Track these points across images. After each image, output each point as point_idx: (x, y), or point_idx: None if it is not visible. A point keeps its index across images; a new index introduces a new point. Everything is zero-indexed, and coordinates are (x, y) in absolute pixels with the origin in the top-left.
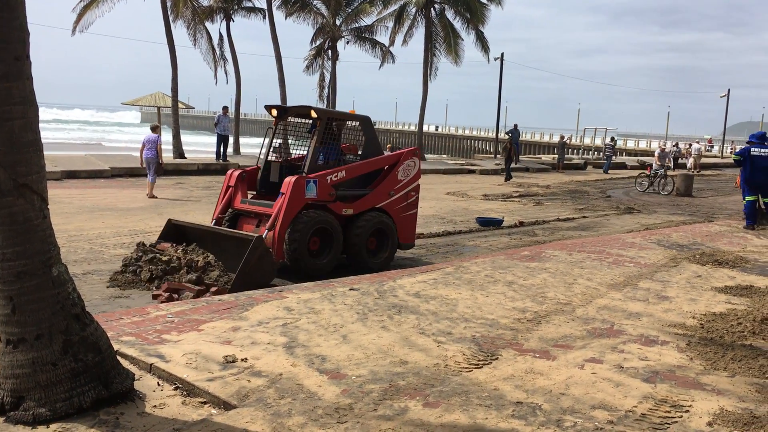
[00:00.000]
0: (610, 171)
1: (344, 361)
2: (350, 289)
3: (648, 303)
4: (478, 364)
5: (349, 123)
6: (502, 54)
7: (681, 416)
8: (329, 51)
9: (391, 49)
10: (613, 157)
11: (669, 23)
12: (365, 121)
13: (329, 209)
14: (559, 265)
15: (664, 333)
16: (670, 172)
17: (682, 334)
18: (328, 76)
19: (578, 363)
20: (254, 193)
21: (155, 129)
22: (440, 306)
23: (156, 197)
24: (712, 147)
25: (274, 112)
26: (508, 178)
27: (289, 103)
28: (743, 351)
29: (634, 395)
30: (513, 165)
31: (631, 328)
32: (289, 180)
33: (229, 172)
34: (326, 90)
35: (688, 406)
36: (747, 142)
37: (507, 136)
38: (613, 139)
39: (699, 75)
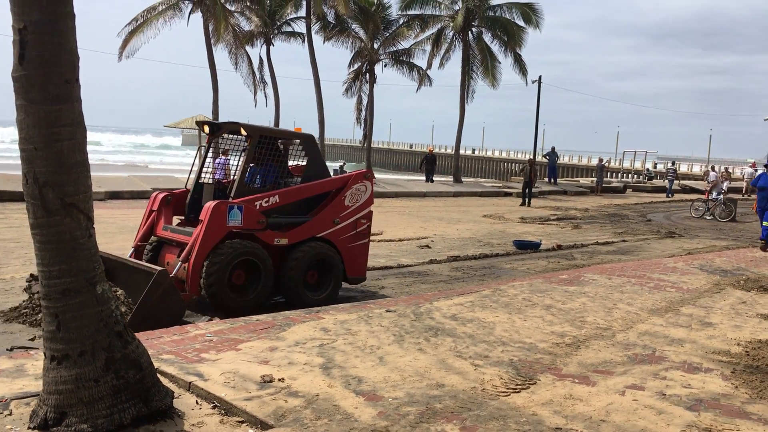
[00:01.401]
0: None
1: (381, 383)
2: (387, 311)
3: (691, 329)
4: (515, 389)
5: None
6: (540, 77)
7: None
8: (367, 74)
9: (428, 72)
10: (675, 181)
11: (711, 45)
12: (307, 140)
13: (258, 239)
14: (598, 289)
15: (708, 360)
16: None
17: (727, 361)
18: (365, 99)
19: (619, 389)
20: (182, 218)
21: (225, 152)
22: (477, 329)
23: None
24: (756, 170)
25: (206, 128)
26: (525, 203)
27: (328, 126)
28: None
29: (677, 423)
30: (534, 188)
31: (674, 354)
32: (209, 206)
33: (154, 194)
34: (363, 113)
35: None
36: (765, 166)
37: (545, 159)
38: (674, 162)
39: (741, 98)
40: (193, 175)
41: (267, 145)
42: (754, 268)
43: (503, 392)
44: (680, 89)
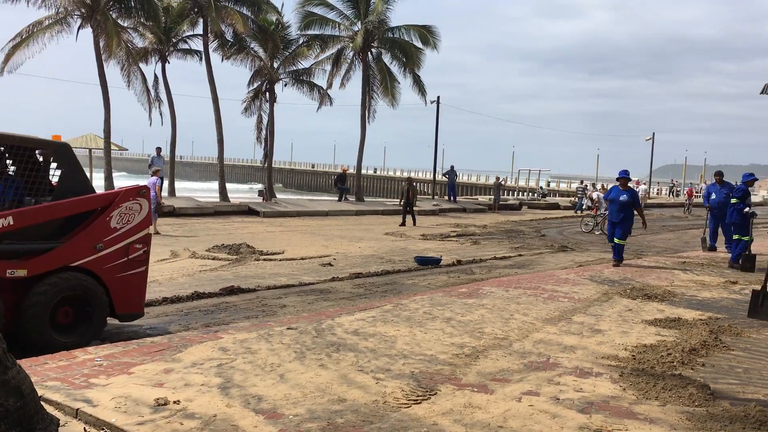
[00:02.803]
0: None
1: (281, 401)
2: (288, 329)
3: (582, 336)
4: (417, 400)
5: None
6: (438, 97)
7: None
8: (267, 93)
9: (328, 91)
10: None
11: (596, 70)
12: (60, 151)
13: None
14: (496, 301)
15: (598, 365)
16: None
17: (615, 365)
18: (266, 118)
19: (516, 396)
20: None
21: (156, 173)
22: (379, 343)
23: (159, 233)
24: (639, 188)
25: None
26: (404, 222)
27: (228, 146)
28: (673, 381)
29: (570, 426)
30: (415, 208)
31: (567, 360)
32: None
33: None
34: (264, 132)
35: None
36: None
37: (444, 177)
38: (582, 181)
39: (626, 120)
40: None
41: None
42: (639, 278)
43: (404, 404)
44: (570, 111)
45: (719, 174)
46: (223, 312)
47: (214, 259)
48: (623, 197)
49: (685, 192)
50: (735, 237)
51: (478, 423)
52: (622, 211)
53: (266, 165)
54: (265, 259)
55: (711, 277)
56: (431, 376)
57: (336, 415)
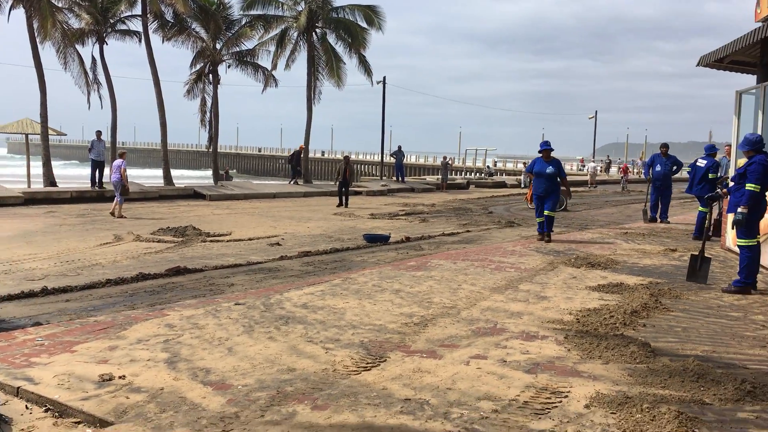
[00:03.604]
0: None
1: (230, 372)
2: (236, 304)
3: (528, 303)
4: (366, 367)
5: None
6: (384, 77)
7: (561, 401)
8: (210, 75)
9: (273, 73)
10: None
11: (541, 51)
12: None
13: None
14: (444, 273)
15: (544, 329)
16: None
17: (560, 328)
18: (210, 101)
19: (464, 360)
20: None
21: (122, 155)
22: (328, 315)
23: (124, 216)
24: (584, 166)
25: None
26: (342, 203)
27: (172, 131)
28: (615, 340)
29: (517, 385)
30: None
31: (513, 326)
32: None
33: None
34: (208, 115)
35: (567, 392)
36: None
37: (392, 158)
38: (528, 162)
39: (570, 99)
40: None
41: None
42: (583, 248)
43: (354, 371)
44: (515, 91)
45: (665, 146)
46: (169, 292)
47: (159, 241)
48: (549, 169)
49: (620, 169)
50: (704, 210)
51: (427, 386)
52: (549, 184)
53: (211, 149)
54: (212, 241)
55: (652, 245)
56: (380, 345)
57: (285, 384)
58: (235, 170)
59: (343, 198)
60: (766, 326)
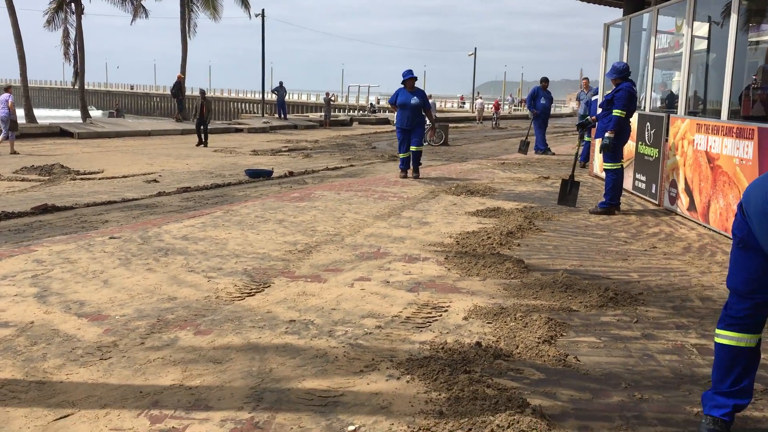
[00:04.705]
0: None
1: (106, 304)
2: (110, 238)
3: (410, 228)
4: (250, 293)
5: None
6: (263, 10)
7: (441, 315)
8: (72, 4)
9: (143, 2)
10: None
11: None
12: None
13: None
14: (328, 203)
15: (425, 251)
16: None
17: (441, 251)
18: (73, 33)
19: (348, 282)
20: None
21: (8, 89)
22: (210, 246)
23: (17, 153)
24: (464, 104)
25: None
26: (202, 142)
27: (33, 67)
28: (492, 259)
29: (400, 303)
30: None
31: (396, 249)
32: None
33: None
34: (72, 48)
35: (447, 307)
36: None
37: (273, 95)
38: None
39: (450, 37)
40: None
41: None
42: (464, 177)
43: (238, 297)
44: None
45: (545, 80)
46: (37, 230)
47: (23, 180)
48: (414, 100)
49: (492, 105)
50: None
51: (312, 308)
52: (414, 116)
53: (78, 85)
54: (82, 179)
55: (526, 174)
56: (264, 272)
57: (166, 312)
58: (115, 110)
59: (202, 135)
60: (628, 242)
